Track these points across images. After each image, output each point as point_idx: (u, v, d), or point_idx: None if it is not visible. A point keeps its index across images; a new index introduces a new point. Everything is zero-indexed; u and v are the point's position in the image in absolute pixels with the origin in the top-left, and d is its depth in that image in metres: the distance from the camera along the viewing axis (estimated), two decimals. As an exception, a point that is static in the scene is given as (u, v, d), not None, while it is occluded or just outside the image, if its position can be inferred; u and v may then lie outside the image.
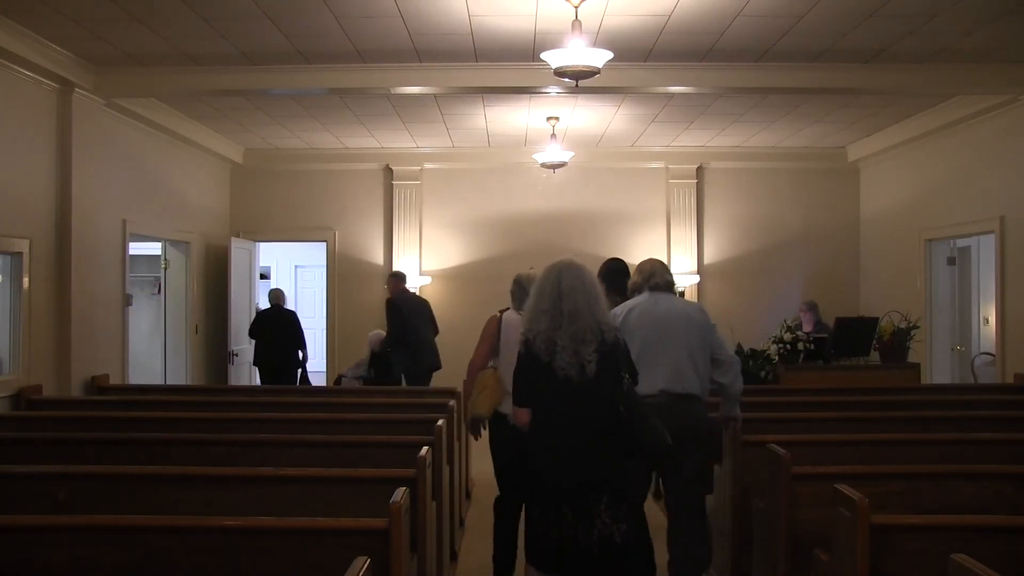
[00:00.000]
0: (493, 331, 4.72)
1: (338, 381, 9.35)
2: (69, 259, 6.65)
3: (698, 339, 4.38)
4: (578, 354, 3.57)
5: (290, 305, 10.43)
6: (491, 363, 4.71)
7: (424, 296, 10.57)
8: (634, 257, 10.44)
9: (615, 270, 5.23)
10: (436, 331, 8.69)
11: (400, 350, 8.29)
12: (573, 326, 3.59)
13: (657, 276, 4.53)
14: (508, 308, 4.81)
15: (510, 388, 3.91)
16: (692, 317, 4.44)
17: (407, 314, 8.33)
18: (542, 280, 3.74)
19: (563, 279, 3.66)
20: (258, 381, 9.87)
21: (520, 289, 4.63)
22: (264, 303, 11.55)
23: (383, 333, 8.77)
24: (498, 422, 4.57)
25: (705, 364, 4.40)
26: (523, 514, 4.50)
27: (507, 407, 4.19)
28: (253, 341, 9.75)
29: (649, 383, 4.15)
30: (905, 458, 4.23)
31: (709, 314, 4.59)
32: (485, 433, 4.76)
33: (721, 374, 4.47)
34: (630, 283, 4.68)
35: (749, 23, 5.88)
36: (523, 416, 3.70)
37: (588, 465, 3.55)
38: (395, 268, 10.28)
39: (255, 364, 9.69)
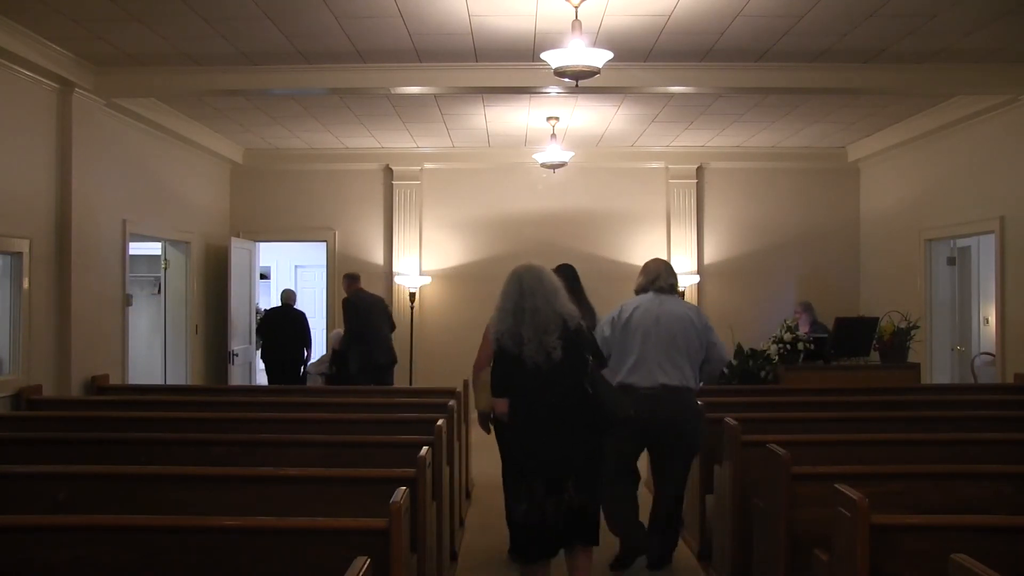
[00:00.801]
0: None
1: (304, 377, 9.69)
2: (69, 259, 6.65)
3: (696, 339, 4.87)
4: (543, 343, 3.99)
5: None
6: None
7: (423, 295, 10.62)
8: (635, 257, 10.58)
9: (565, 276, 5.47)
10: (393, 327, 9.08)
11: (357, 346, 8.61)
12: (535, 320, 4.02)
13: (662, 279, 4.97)
14: None
15: None
16: (691, 319, 4.91)
17: (363, 312, 8.63)
18: (506, 284, 4.17)
19: (523, 281, 4.11)
20: (262, 379, 9.96)
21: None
22: (264, 303, 11.64)
23: (343, 331, 9.03)
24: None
25: (698, 362, 4.92)
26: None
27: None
28: (259, 339, 10.02)
29: (648, 377, 4.75)
30: (905, 458, 4.23)
31: (705, 316, 5.10)
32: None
33: (706, 362, 4.99)
34: (636, 284, 5.07)
35: (749, 23, 5.88)
36: (501, 406, 4.14)
37: (559, 446, 4.00)
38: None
39: (263, 360, 9.87)
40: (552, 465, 3.98)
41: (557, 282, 4.19)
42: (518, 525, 4.09)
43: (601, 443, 4.12)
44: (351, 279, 8.97)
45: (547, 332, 4.00)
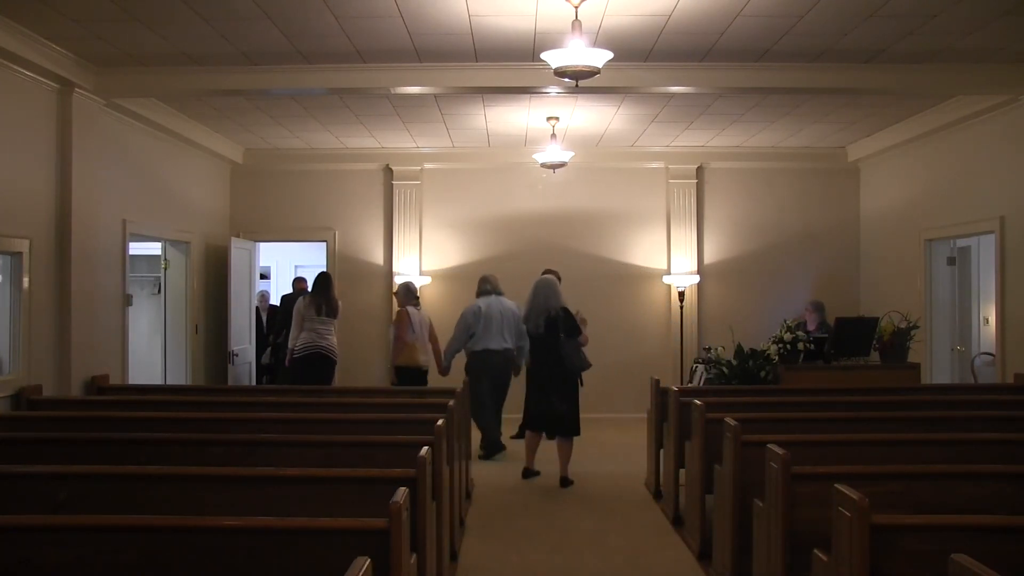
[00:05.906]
0: (407, 320, 8.33)
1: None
2: (69, 259, 6.65)
3: (512, 322, 8.24)
4: (535, 323, 7.15)
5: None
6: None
7: (423, 296, 10.63)
8: (635, 257, 10.57)
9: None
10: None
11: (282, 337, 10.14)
12: (538, 309, 7.15)
13: (499, 288, 8.47)
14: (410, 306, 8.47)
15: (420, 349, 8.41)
16: (514, 312, 8.21)
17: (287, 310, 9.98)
18: (532, 289, 7.30)
19: (538, 287, 7.29)
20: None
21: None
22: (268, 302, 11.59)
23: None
24: (410, 370, 8.30)
25: (514, 336, 8.29)
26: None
27: (424, 361, 8.41)
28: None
29: (496, 343, 8.24)
30: (905, 458, 4.23)
31: (519, 308, 7.83)
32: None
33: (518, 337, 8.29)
34: (480, 289, 8.49)
35: (749, 23, 5.88)
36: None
37: (548, 378, 7.12)
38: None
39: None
40: (544, 387, 7.13)
41: (557, 288, 7.22)
42: (529, 413, 7.29)
43: (574, 382, 7.11)
44: (295, 281, 10.79)
45: (540, 315, 7.12)
